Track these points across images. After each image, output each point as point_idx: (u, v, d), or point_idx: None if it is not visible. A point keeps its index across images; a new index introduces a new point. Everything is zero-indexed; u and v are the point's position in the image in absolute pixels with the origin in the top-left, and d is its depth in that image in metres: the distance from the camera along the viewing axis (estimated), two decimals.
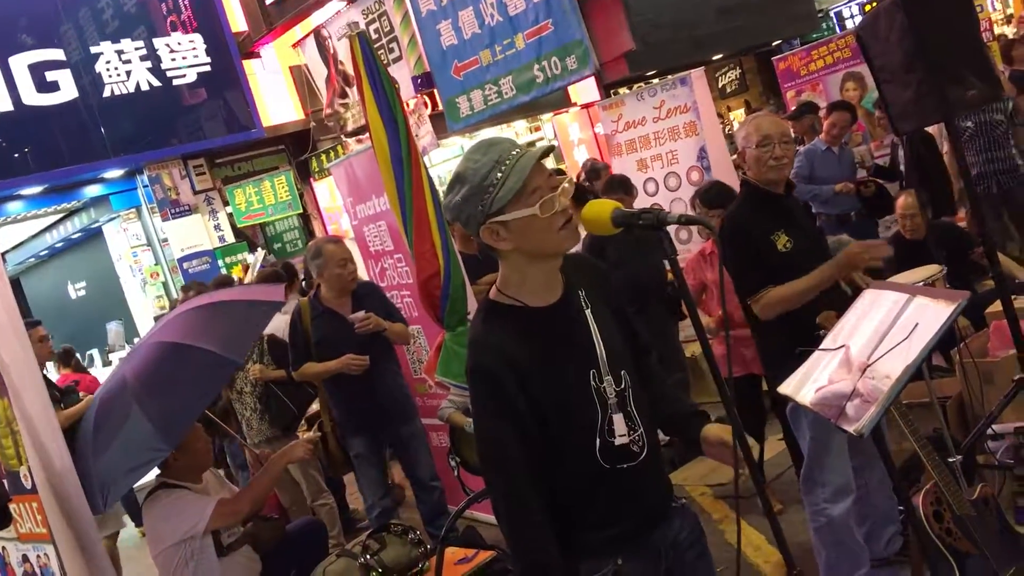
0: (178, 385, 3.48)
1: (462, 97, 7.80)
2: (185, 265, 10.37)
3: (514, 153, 1.95)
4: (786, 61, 8.94)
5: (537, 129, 13.78)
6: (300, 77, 10.95)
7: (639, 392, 2.09)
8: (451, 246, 3.41)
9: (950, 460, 3.18)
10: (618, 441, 2.00)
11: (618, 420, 2.02)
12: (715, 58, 15.70)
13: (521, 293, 2.03)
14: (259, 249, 10.47)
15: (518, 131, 13.84)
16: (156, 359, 3.51)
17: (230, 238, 11.04)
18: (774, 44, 16.74)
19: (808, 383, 2.25)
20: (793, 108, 8.39)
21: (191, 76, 10.11)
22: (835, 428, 3.36)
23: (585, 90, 13.01)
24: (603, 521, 2.03)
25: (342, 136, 10.45)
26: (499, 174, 1.92)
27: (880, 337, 2.12)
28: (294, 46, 10.73)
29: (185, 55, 10.04)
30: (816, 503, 3.44)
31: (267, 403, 5.38)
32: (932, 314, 2.00)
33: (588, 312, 2.08)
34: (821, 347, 2.31)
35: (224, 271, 10.28)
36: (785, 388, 2.32)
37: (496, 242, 1.98)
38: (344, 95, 9.88)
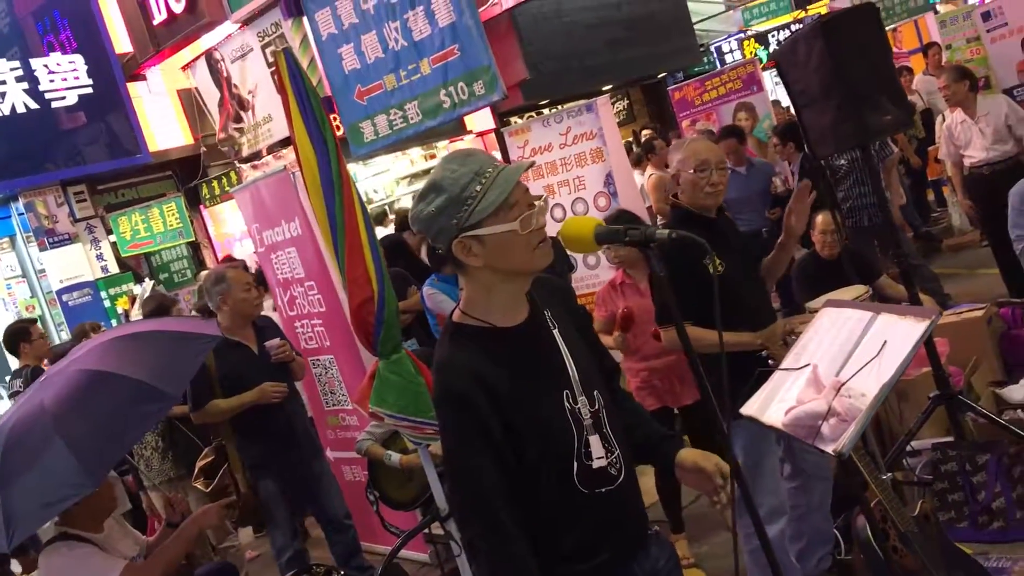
0: (106, 417, 3.21)
1: (366, 122, 7.63)
2: (64, 297, 9.77)
3: (493, 167, 1.88)
4: (681, 91, 9.18)
5: (432, 156, 13.71)
6: (189, 101, 10.55)
7: (613, 413, 2.03)
8: (384, 271, 3.29)
9: (883, 477, 3.23)
10: (596, 464, 1.93)
11: (595, 442, 1.95)
12: (604, 88, 16.04)
13: (488, 313, 1.94)
14: (147, 280, 9.98)
15: (413, 158, 13.74)
16: (81, 387, 3.22)
17: (114, 268, 10.47)
18: (659, 76, 17.26)
19: (773, 404, 2.23)
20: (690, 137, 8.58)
21: (71, 98, 9.59)
22: (767, 451, 3.39)
23: (480, 118, 13.03)
24: (582, 552, 1.94)
25: (236, 162, 10.10)
26: (478, 186, 1.85)
27: (846, 355, 2.12)
28: (183, 68, 10.34)
29: (65, 76, 9.53)
30: (748, 526, 3.44)
31: (171, 441, 5.06)
32: (902, 331, 2.00)
33: (556, 332, 2.01)
34: (782, 367, 2.30)
35: (108, 303, 9.75)
36: (747, 410, 2.29)
37: (467, 257, 1.89)
38: (239, 119, 9.57)
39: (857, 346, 2.10)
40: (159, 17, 9.58)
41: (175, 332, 3.69)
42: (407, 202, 13.59)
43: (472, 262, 1.90)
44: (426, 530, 4.48)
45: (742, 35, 17.47)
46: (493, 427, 1.85)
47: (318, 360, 5.37)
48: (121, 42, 10.35)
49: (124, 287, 10.19)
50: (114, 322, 9.52)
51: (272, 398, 4.46)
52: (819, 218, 5.19)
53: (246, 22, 9.00)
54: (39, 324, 6.16)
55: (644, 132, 12.51)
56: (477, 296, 1.95)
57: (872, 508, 2.83)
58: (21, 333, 6.50)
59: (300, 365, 4.84)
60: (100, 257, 10.42)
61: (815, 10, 15.59)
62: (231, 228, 10.90)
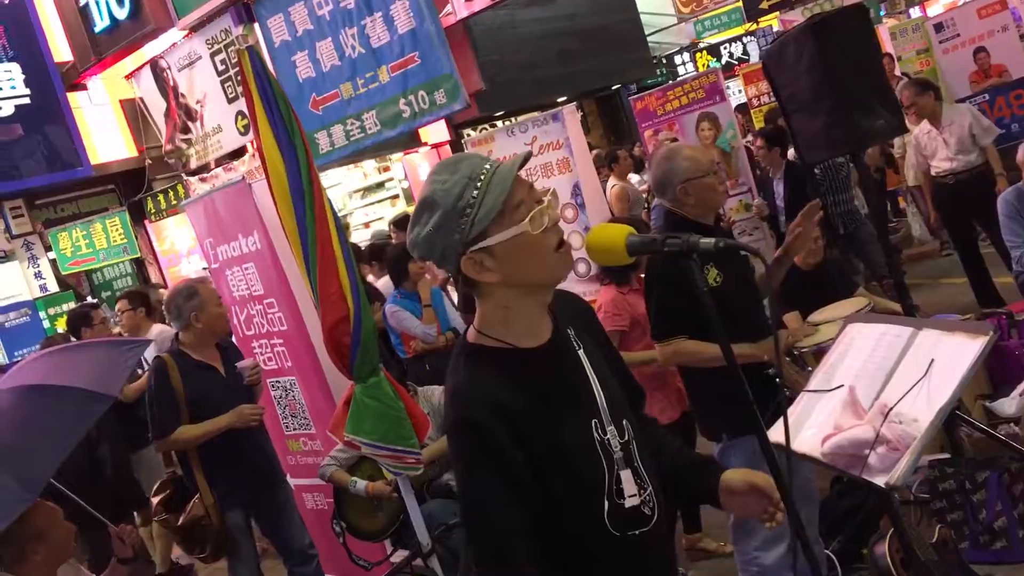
0: (36, 426, 3.04)
1: (321, 133, 7.38)
2: (1, 319, 9.27)
3: (487, 167, 1.65)
4: (643, 101, 9.01)
5: (386, 169, 13.43)
6: (133, 111, 10.13)
7: (643, 443, 1.81)
8: (360, 287, 3.03)
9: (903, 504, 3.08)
10: (628, 503, 1.70)
11: (626, 478, 1.72)
12: (559, 100, 15.94)
13: (507, 333, 1.71)
14: (88, 299, 9.52)
15: (367, 171, 13.45)
16: (6, 406, 3.00)
17: (53, 287, 9.99)
18: (613, 88, 17.23)
19: (803, 430, 2.02)
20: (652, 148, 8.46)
21: (7, 109, 9.13)
22: (764, 470, 3.18)
23: (435, 130, 12.79)
24: None
25: (183, 175, 9.71)
26: (475, 192, 1.62)
27: (886, 375, 1.93)
28: (127, 78, 9.93)
29: (0, 85, 9.07)
30: (747, 552, 3.27)
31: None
32: (952, 349, 1.82)
33: (581, 352, 1.79)
34: (811, 387, 2.10)
35: (47, 324, 9.26)
36: (774, 436, 2.08)
37: (480, 274, 1.66)
38: (186, 130, 9.20)
39: (898, 365, 1.92)
40: (101, 24, 9.17)
41: (102, 342, 3.49)
42: (360, 217, 13.29)
43: (487, 279, 1.67)
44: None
45: (694, 47, 17.52)
46: (515, 461, 1.62)
47: (278, 382, 5.07)
48: (60, 50, 9.91)
49: (64, 306, 9.70)
50: None
51: (251, 421, 4.19)
52: None
53: (193, 29, 8.65)
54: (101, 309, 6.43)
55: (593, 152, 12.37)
56: (494, 314, 1.72)
57: (892, 536, 2.65)
58: (83, 318, 6.42)
59: (260, 388, 4.61)
60: (39, 275, 9.94)
61: (766, 23, 15.69)
62: (177, 244, 10.49)
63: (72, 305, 9.68)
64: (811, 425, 2.01)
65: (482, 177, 1.63)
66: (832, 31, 3.50)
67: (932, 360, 1.84)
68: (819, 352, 3.12)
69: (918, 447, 1.73)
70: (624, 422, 1.76)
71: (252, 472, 4.30)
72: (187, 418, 4.13)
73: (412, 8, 6.59)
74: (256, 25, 7.64)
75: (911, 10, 17.64)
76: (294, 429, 5.13)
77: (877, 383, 1.92)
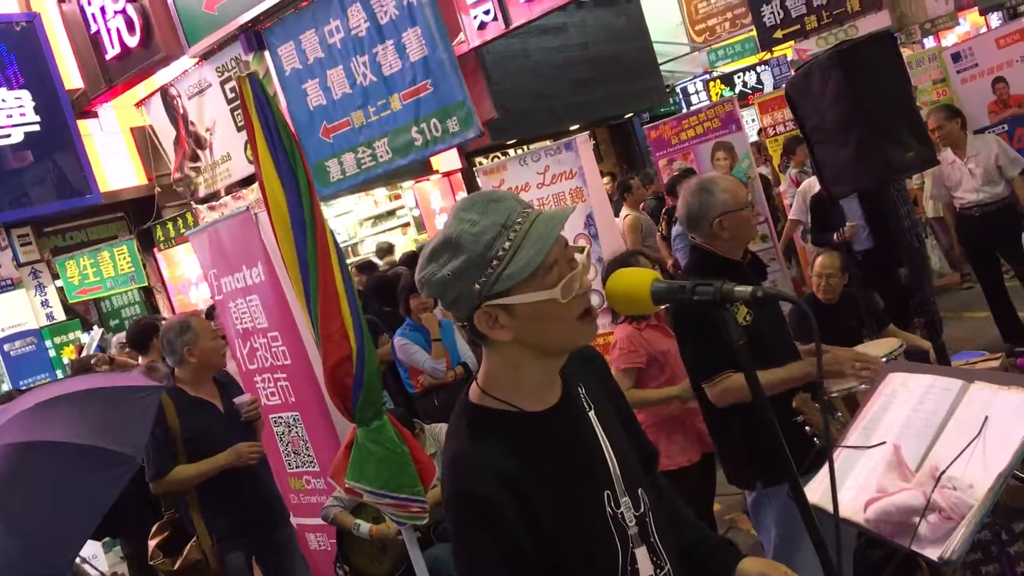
0: (55, 494, 2.79)
1: (332, 160, 7.27)
2: (7, 347, 9.14)
3: (525, 214, 1.47)
4: (657, 130, 8.92)
5: (397, 197, 13.36)
6: (143, 139, 10.06)
7: (659, 515, 1.63)
8: (364, 325, 2.87)
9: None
10: None
11: (641, 556, 1.55)
12: (571, 128, 15.88)
13: (514, 394, 1.54)
14: (95, 328, 9.40)
15: (377, 199, 13.38)
16: (14, 464, 2.80)
17: (60, 315, 9.87)
18: (626, 116, 17.16)
19: (844, 490, 1.85)
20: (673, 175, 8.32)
21: (17, 136, 9.07)
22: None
23: (447, 158, 12.71)
24: None
25: (192, 203, 9.62)
26: (507, 243, 1.45)
27: (934, 432, 1.75)
28: (137, 105, 9.87)
29: (11, 113, 9.01)
30: None
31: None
32: (1008, 405, 1.65)
33: (592, 415, 1.62)
34: (848, 443, 1.93)
35: (53, 353, 9.14)
36: (812, 496, 1.91)
37: (493, 330, 1.49)
38: (195, 158, 9.11)
39: (947, 421, 1.74)
40: (112, 51, 9.12)
41: (112, 388, 3.26)
42: (371, 245, 13.20)
43: (499, 336, 1.50)
44: None
45: (708, 76, 17.43)
46: (522, 541, 1.45)
47: (281, 417, 4.91)
48: (72, 78, 9.86)
49: (71, 335, 9.59)
50: (59, 373, 8.93)
51: (250, 459, 4.03)
52: (819, 259, 4.88)
53: (204, 57, 8.59)
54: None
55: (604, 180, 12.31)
56: (502, 372, 1.56)
57: None
58: (152, 330, 6.14)
59: (261, 424, 4.46)
60: (45, 304, 9.82)
61: (780, 52, 15.57)
62: (187, 272, 10.38)
63: (79, 335, 9.57)
64: (851, 486, 1.84)
65: (517, 226, 1.46)
66: (860, 59, 3.36)
67: (986, 418, 1.67)
68: (849, 398, 2.94)
69: (975, 517, 1.55)
70: (639, 491, 1.60)
71: (252, 512, 4.15)
72: (184, 457, 3.98)
73: (424, 36, 6.49)
74: (266, 53, 7.56)
75: (925, 40, 17.53)
76: (297, 467, 4.97)
77: (925, 441, 1.75)
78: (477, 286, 1.46)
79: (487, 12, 9.17)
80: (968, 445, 1.65)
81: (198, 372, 4.11)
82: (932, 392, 1.83)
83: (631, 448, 1.68)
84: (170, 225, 10.23)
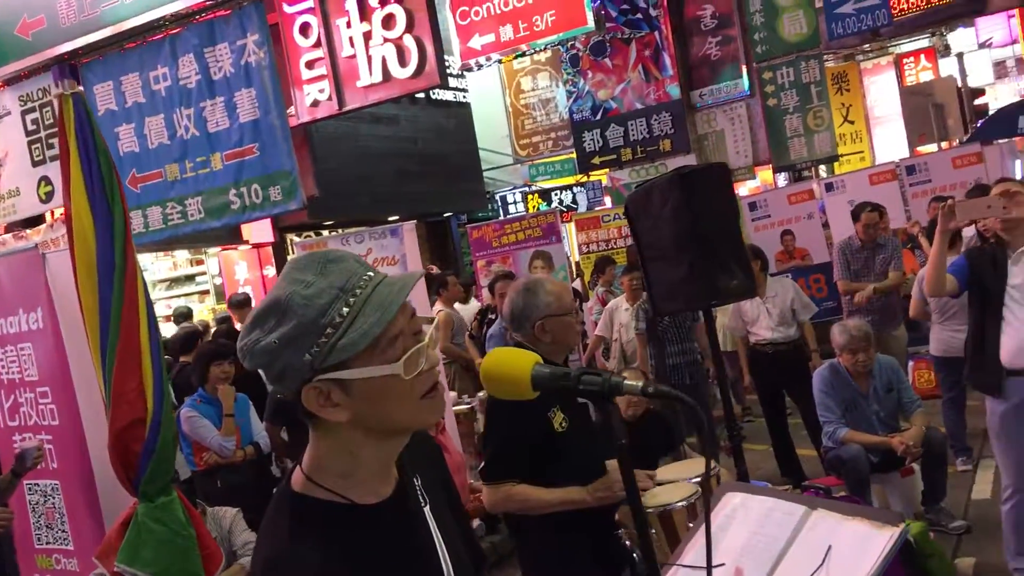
0: None
1: (136, 212, 6.75)
2: None
3: (367, 278, 1.31)
4: (480, 231, 9.04)
5: (200, 262, 12.69)
6: None
7: None
8: (166, 387, 2.55)
9: None
10: None
11: None
12: (390, 219, 15.84)
13: (346, 485, 1.35)
14: None
15: (178, 261, 12.64)
16: None
17: None
18: (445, 215, 17.36)
19: None
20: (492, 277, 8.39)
21: None
22: None
23: (258, 229, 12.28)
24: None
25: None
26: (346, 308, 1.27)
27: (775, 558, 1.70)
28: None
29: None
30: None
31: None
32: (853, 537, 1.63)
33: (427, 509, 1.45)
34: (683, 562, 1.85)
35: None
36: None
37: (324, 408, 1.30)
38: None
39: (789, 548, 1.71)
40: None
41: None
42: (163, 308, 12.37)
43: (331, 416, 1.30)
44: None
45: (527, 189, 18.05)
46: None
47: (37, 485, 4.33)
48: None
49: None
50: None
51: None
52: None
53: (7, 82, 7.88)
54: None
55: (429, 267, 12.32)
56: (332, 457, 1.36)
57: None
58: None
59: (13, 487, 3.89)
60: None
61: (596, 176, 16.38)
62: None
63: None
64: None
65: (358, 291, 1.28)
66: (698, 184, 3.48)
67: (830, 547, 1.64)
68: (664, 515, 2.91)
69: None
70: None
71: None
72: None
73: (259, 98, 6.26)
74: (80, 88, 7.02)
75: None
76: (47, 543, 4.37)
77: (766, 566, 1.70)
78: (308, 356, 1.26)
79: (322, 91, 9.03)
80: (813, 574, 1.61)
81: None
82: (773, 516, 1.80)
83: (463, 550, 1.52)
84: None
